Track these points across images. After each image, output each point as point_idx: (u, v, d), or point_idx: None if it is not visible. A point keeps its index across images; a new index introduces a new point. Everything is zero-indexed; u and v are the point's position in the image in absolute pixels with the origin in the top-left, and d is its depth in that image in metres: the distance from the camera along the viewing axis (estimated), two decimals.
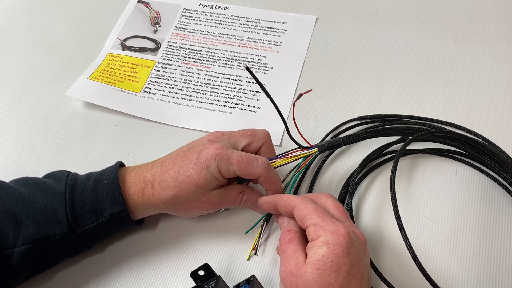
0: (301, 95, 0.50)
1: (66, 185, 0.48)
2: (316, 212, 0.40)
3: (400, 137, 0.57)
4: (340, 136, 0.56)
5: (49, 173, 0.51)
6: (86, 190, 0.47)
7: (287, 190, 0.52)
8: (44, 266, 0.49)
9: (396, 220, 0.42)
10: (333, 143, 0.52)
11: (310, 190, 0.55)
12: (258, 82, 0.47)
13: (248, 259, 0.51)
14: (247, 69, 0.45)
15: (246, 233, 0.52)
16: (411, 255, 0.42)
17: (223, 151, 0.46)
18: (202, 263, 0.44)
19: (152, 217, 0.54)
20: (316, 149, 0.51)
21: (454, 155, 0.56)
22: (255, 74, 0.67)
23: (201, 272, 0.44)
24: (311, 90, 0.51)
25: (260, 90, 0.65)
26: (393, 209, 0.43)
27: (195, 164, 0.46)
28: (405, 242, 0.42)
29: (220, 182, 0.47)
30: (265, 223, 0.51)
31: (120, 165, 0.51)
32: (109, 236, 0.51)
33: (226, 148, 0.47)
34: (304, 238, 0.42)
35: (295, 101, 0.50)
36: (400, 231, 0.42)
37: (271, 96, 0.48)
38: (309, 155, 0.52)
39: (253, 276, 0.43)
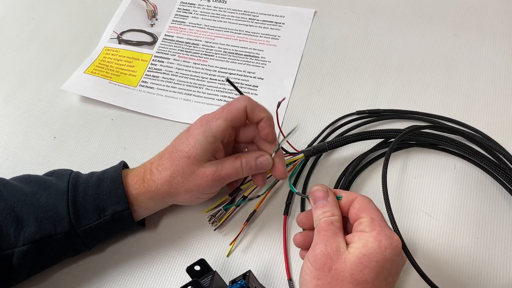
0: (279, 103, 0.50)
1: (69, 183, 0.47)
2: (377, 212, 0.40)
3: (383, 139, 0.56)
4: (331, 138, 0.56)
5: (51, 171, 0.51)
6: (89, 187, 0.47)
7: None
8: (42, 266, 0.48)
9: (390, 221, 0.41)
10: (319, 148, 0.53)
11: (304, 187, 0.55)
12: (240, 92, 0.49)
13: (228, 256, 0.50)
14: (228, 80, 0.48)
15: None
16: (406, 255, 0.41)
17: (206, 115, 0.47)
18: (198, 258, 0.44)
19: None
20: (302, 155, 0.52)
21: (452, 149, 0.55)
22: (253, 68, 0.66)
23: (197, 267, 0.44)
24: (284, 99, 0.52)
25: (257, 84, 0.65)
26: (387, 212, 0.42)
27: (185, 139, 0.46)
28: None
29: (213, 149, 0.46)
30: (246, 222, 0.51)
31: (124, 165, 0.51)
32: (109, 237, 0.51)
33: (210, 113, 0.47)
34: (342, 225, 0.41)
35: (277, 109, 0.50)
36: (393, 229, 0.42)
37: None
38: (296, 160, 0.52)
39: (249, 271, 0.43)
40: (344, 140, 0.53)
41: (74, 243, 0.47)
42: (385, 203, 0.42)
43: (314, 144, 0.54)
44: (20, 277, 0.47)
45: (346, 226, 0.43)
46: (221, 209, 0.51)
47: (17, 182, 0.48)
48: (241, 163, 0.47)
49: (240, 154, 0.48)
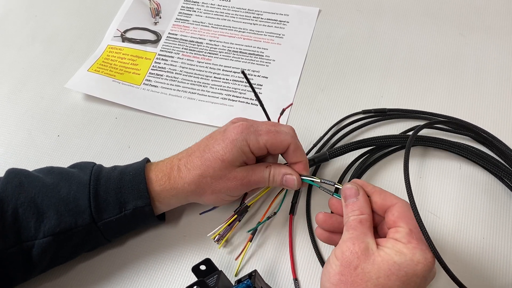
0: (283, 110, 0.50)
1: (91, 175, 0.47)
2: (415, 222, 0.38)
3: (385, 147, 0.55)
4: (336, 137, 0.55)
5: (75, 163, 0.51)
6: (111, 181, 0.47)
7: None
8: (61, 259, 0.48)
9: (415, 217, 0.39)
10: (320, 157, 0.52)
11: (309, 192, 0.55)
12: (253, 89, 0.49)
13: (236, 275, 0.49)
14: (243, 73, 0.48)
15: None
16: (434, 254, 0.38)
17: (249, 125, 0.46)
18: (204, 258, 0.44)
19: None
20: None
21: (457, 152, 0.54)
22: (257, 67, 0.66)
23: (203, 267, 0.44)
24: (292, 104, 0.51)
25: (262, 83, 0.65)
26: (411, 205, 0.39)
27: (221, 141, 0.46)
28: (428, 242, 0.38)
29: (246, 157, 0.46)
30: (251, 241, 0.50)
31: (147, 161, 0.50)
32: (129, 231, 0.51)
33: (252, 122, 0.47)
34: (372, 225, 0.40)
35: (279, 117, 0.51)
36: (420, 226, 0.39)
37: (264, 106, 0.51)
38: None
39: (255, 270, 0.43)
40: (345, 149, 0.53)
41: (94, 236, 0.47)
42: (413, 209, 0.39)
43: (315, 154, 0.54)
44: (38, 270, 0.47)
45: (377, 225, 0.42)
46: (225, 227, 0.51)
47: (39, 173, 0.48)
48: (269, 174, 0.47)
49: (270, 164, 0.48)
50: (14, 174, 0.47)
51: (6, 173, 0.48)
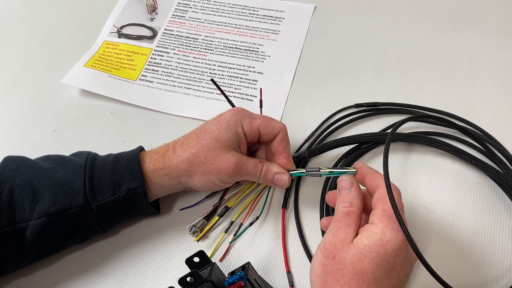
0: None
1: (87, 159, 0.48)
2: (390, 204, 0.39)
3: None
4: (329, 131, 0.56)
5: (72, 153, 0.52)
6: (106, 164, 0.48)
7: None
8: (53, 245, 0.48)
9: (395, 213, 0.39)
10: (300, 156, 0.53)
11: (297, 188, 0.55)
12: (223, 93, 0.54)
13: (211, 256, 0.50)
14: (212, 81, 0.53)
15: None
16: (413, 249, 0.38)
17: (244, 109, 0.49)
18: (197, 250, 0.44)
19: None
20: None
21: (448, 150, 0.54)
22: (253, 63, 0.67)
23: (196, 259, 0.44)
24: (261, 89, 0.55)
25: (257, 78, 0.65)
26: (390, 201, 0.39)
27: (217, 122, 0.48)
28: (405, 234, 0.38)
29: (240, 139, 0.48)
30: (225, 233, 0.51)
31: (141, 149, 0.51)
32: (124, 218, 0.51)
33: (248, 110, 0.50)
34: (360, 217, 0.41)
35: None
36: (400, 223, 0.39)
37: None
38: None
39: (248, 263, 0.43)
40: (325, 147, 0.53)
41: (87, 220, 0.47)
42: (389, 197, 0.39)
43: (295, 153, 0.55)
44: (29, 257, 0.47)
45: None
46: (203, 220, 0.52)
47: (37, 160, 0.50)
48: (261, 170, 0.48)
49: (264, 161, 0.49)
50: (12, 159, 0.48)
51: (3, 159, 0.49)
